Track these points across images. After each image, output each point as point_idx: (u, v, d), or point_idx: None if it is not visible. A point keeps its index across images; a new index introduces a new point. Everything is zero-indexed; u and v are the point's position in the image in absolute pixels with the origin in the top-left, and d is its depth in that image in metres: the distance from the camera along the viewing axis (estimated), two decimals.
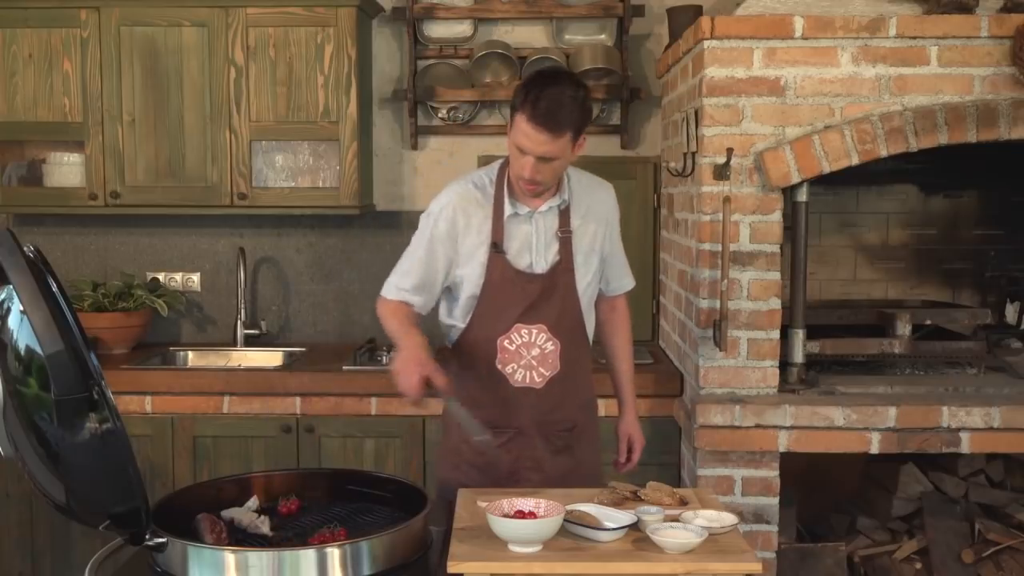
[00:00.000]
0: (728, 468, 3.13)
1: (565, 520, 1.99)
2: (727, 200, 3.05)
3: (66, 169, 3.97)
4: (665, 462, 3.52)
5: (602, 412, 3.22)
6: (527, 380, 2.56)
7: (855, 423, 3.04)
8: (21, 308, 1.74)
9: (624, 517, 2.04)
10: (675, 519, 2.05)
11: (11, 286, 1.75)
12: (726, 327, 3.07)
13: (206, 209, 3.96)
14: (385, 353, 3.80)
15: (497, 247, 2.53)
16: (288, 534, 2.09)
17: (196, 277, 4.27)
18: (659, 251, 4.13)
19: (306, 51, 3.82)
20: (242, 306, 4.16)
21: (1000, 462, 3.45)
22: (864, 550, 3.39)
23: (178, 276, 4.26)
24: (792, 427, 3.06)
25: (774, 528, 3.15)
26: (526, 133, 2.39)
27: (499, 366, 2.56)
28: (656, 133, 4.18)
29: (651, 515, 2.05)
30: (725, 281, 3.05)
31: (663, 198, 4.04)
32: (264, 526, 2.10)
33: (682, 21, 3.55)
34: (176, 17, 3.82)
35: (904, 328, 3.33)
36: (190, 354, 4.14)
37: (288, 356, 4.05)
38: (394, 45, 4.20)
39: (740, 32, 3.05)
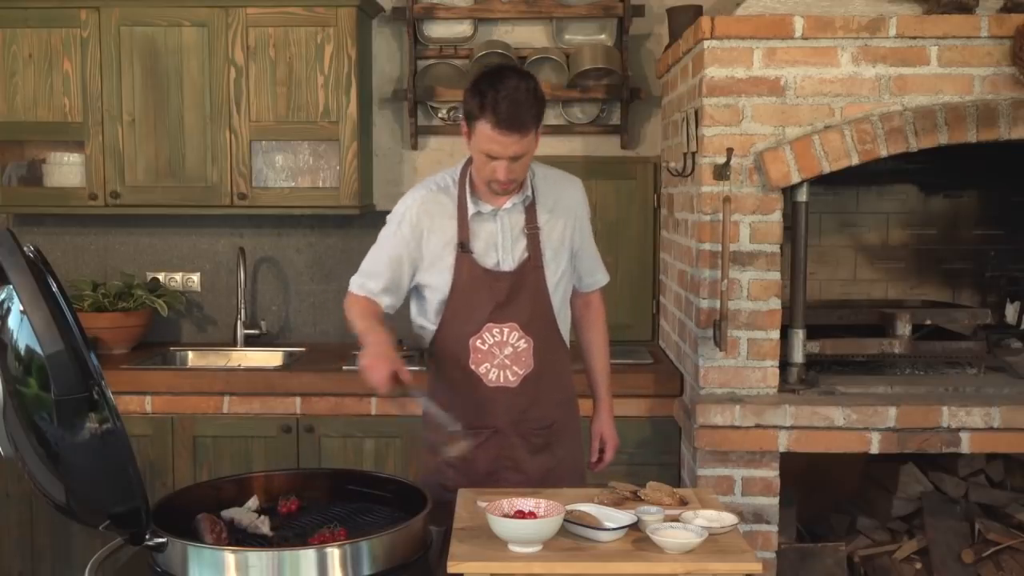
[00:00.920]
0: (728, 468, 3.13)
1: (565, 520, 1.99)
2: (727, 200, 3.05)
3: (66, 169, 3.97)
4: (665, 462, 3.52)
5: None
6: (501, 379, 2.55)
7: (855, 423, 3.04)
8: (21, 308, 1.74)
9: (624, 517, 2.04)
10: (675, 519, 2.05)
11: (11, 286, 1.75)
12: (726, 327, 3.07)
13: (206, 209, 3.96)
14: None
15: (464, 247, 2.53)
16: (288, 534, 2.09)
17: (196, 277, 4.27)
18: (659, 251, 4.13)
19: (306, 51, 3.82)
20: (242, 306, 4.16)
21: (1000, 462, 3.45)
22: (864, 550, 3.39)
23: (178, 276, 4.27)
24: (792, 427, 3.06)
25: (774, 528, 3.15)
26: (494, 139, 2.37)
27: (472, 366, 2.55)
28: (656, 133, 4.18)
29: (651, 515, 2.05)
30: (725, 281, 3.05)
31: (663, 198, 4.04)
32: (264, 526, 2.10)
33: (682, 21, 3.55)
34: (176, 17, 3.82)
35: (904, 328, 3.33)
36: (190, 354, 4.14)
37: (288, 356, 4.05)
38: (394, 45, 4.20)
39: (740, 32, 3.05)
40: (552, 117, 4.19)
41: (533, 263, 2.55)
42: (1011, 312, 3.77)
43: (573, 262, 2.67)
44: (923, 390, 3.21)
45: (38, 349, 1.73)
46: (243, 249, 4.16)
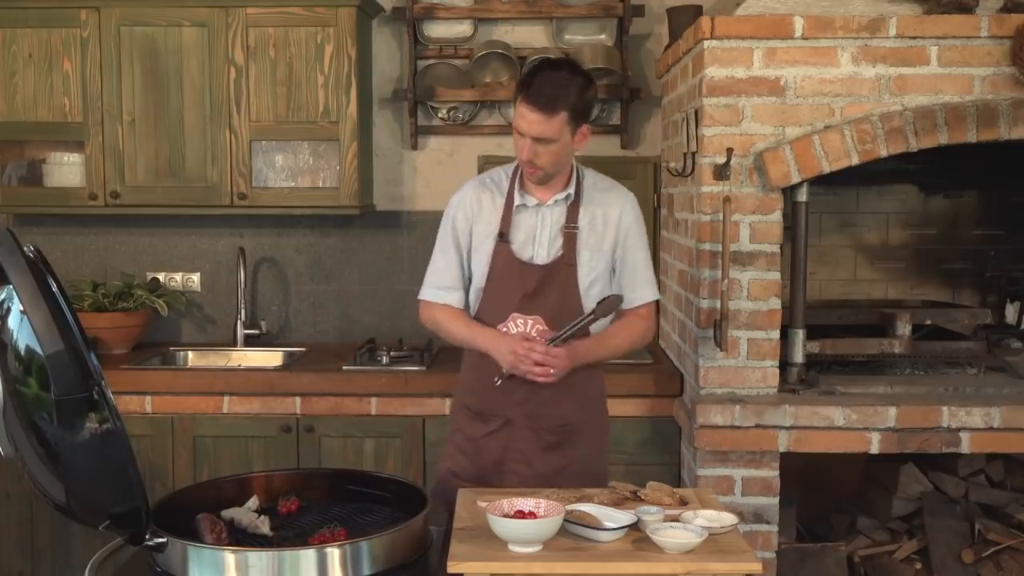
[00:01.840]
0: (728, 468, 3.13)
1: (565, 520, 1.99)
2: (727, 200, 3.05)
3: (66, 169, 3.97)
4: (665, 462, 3.52)
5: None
6: None
7: (855, 423, 3.04)
8: (21, 308, 1.74)
9: (624, 517, 2.04)
10: (675, 519, 2.05)
11: (11, 286, 1.75)
12: (726, 327, 3.07)
13: (206, 209, 3.96)
14: (385, 353, 3.80)
15: (503, 236, 2.58)
16: (288, 534, 2.10)
17: (196, 277, 4.27)
18: (659, 251, 4.13)
19: (306, 51, 3.82)
20: (242, 306, 4.16)
21: (1000, 462, 3.45)
22: (864, 550, 3.39)
23: (178, 276, 4.26)
24: (792, 427, 3.05)
25: (774, 528, 3.15)
26: (522, 114, 2.48)
27: None
28: (656, 133, 4.18)
29: (651, 515, 2.05)
30: (725, 281, 3.05)
31: (663, 198, 4.04)
32: (264, 526, 2.10)
33: (682, 21, 3.55)
34: (176, 17, 3.82)
35: (904, 328, 3.33)
36: (190, 354, 4.14)
37: (288, 356, 4.05)
38: (394, 45, 4.20)
39: (740, 32, 3.05)
40: None
41: (566, 260, 2.58)
42: (1011, 312, 3.77)
43: (611, 270, 2.67)
44: (923, 390, 3.21)
45: (38, 349, 1.74)
46: (243, 249, 4.16)
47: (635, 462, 3.48)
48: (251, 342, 4.17)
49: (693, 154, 3.25)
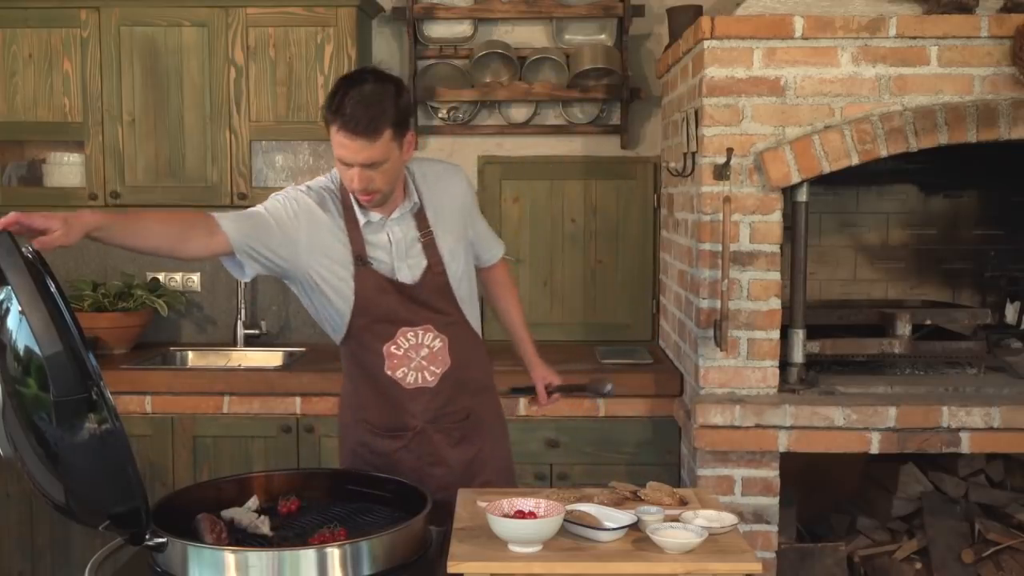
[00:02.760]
0: (728, 468, 3.13)
1: (565, 520, 1.99)
2: (727, 200, 3.05)
3: (66, 169, 3.97)
4: (665, 462, 3.52)
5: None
6: (419, 381, 2.51)
7: (855, 423, 3.04)
8: (20, 309, 1.74)
9: (624, 517, 2.04)
10: (675, 519, 2.05)
11: (9, 287, 1.75)
12: (726, 327, 3.07)
13: (206, 209, 3.95)
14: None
15: (362, 259, 2.43)
16: (288, 534, 2.09)
17: (196, 277, 4.27)
18: (659, 251, 4.13)
19: (306, 51, 3.82)
20: (242, 306, 4.16)
21: (1000, 462, 3.44)
22: (864, 550, 3.39)
23: (178, 276, 4.26)
24: (792, 427, 3.05)
25: (774, 528, 3.15)
26: (342, 143, 2.28)
27: (388, 372, 2.49)
28: (656, 133, 4.18)
29: (651, 515, 2.05)
30: (725, 281, 3.05)
31: (663, 198, 4.04)
32: (264, 526, 2.10)
33: (682, 21, 3.55)
34: (176, 17, 3.82)
35: (904, 328, 3.33)
36: (190, 354, 4.14)
37: (288, 356, 4.05)
38: (394, 45, 4.20)
39: (740, 32, 3.05)
40: (552, 117, 4.19)
41: (434, 270, 2.49)
42: (1011, 312, 3.77)
43: (470, 250, 2.63)
44: (923, 390, 3.21)
45: (37, 350, 1.73)
46: None
47: (635, 462, 3.48)
48: (251, 342, 4.16)
49: (693, 154, 3.25)
